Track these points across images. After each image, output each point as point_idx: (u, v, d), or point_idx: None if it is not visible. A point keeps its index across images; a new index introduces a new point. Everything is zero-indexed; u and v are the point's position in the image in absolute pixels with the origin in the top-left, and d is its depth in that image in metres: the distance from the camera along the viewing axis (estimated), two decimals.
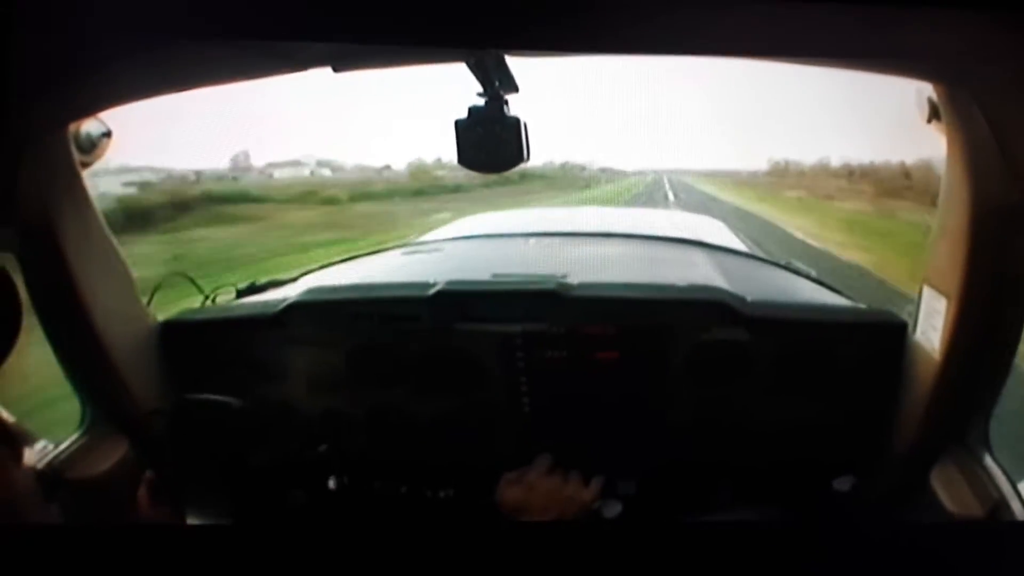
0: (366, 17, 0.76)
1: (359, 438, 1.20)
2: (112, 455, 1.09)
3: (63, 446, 1.08)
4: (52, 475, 1.03)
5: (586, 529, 0.99)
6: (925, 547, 0.81)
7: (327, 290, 1.27)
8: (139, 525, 1.00)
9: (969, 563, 0.79)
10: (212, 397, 1.08)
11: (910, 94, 1.00)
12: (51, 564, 0.78)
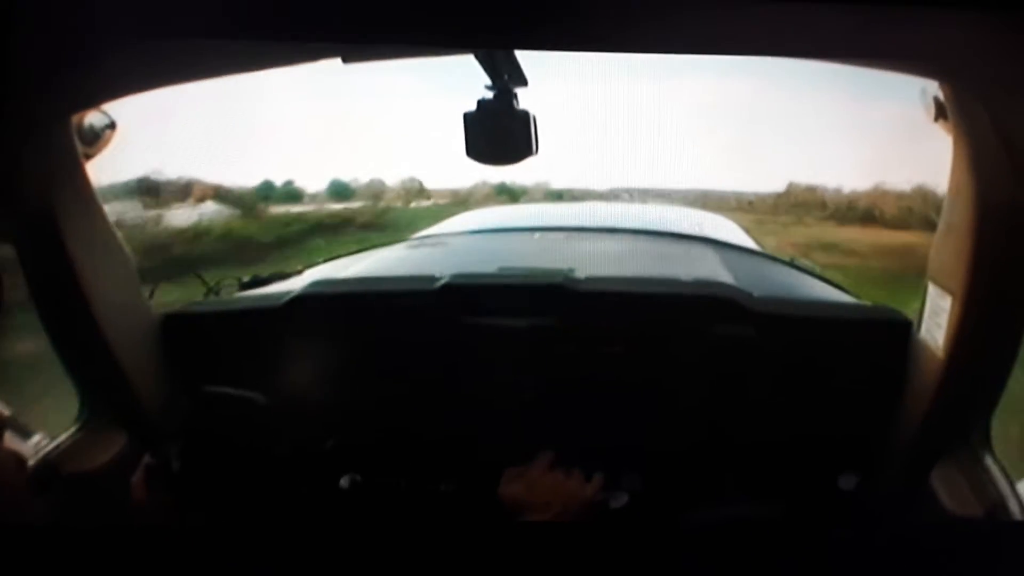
0: (375, 16, 0.77)
1: (361, 432, 1.19)
2: (110, 449, 1.07)
3: (59, 440, 1.06)
4: (47, 470, 1.03)
5: (589, 527, 0.99)
6: (926, 547, 0.81)
7: (332, 283, 1.26)
8: (137, 525, 0.99)
9: (968, 563, 0.79)
10: (231, 391, 1.07)
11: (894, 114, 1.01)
12: (44, 563, 0.77)
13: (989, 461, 0.98)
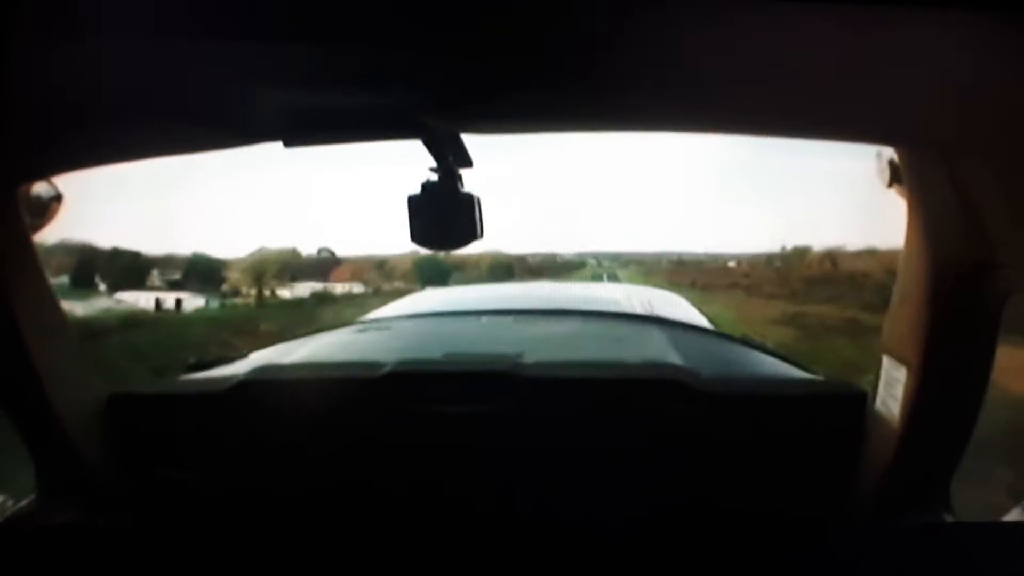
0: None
1: (308, 515, 1.17)
2: (65, 518, 1.07)
3: (22, 503, 1.07)
4: (10, 529, 1.03)
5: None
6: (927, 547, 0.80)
7: (276, 368, 1.25)
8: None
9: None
10: (175, 474, 1.07)
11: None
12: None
13: (950, 520, 0.98)
